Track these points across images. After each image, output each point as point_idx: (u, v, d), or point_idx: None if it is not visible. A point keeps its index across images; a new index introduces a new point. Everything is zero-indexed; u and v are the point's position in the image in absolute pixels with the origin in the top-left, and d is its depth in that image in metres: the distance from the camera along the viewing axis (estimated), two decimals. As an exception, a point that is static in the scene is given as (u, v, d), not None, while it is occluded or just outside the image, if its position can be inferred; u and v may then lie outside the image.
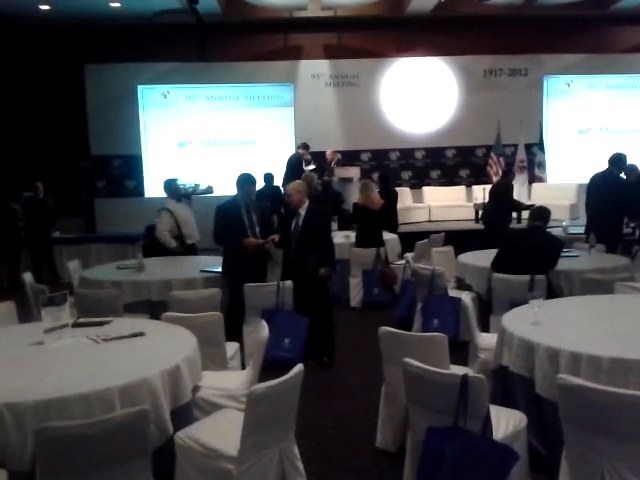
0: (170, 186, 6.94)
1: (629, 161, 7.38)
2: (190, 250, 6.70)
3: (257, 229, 5.67)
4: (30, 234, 9.65)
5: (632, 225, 7.91)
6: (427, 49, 12.85)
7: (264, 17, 12.34)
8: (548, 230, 5.64)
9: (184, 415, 3.11)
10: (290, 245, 5.50)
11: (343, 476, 3.55)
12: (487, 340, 4.15)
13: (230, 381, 3.62)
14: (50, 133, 12.67)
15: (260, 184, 9.41)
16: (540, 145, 12.53)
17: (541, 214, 5.42)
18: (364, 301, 7.49)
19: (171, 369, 2.97)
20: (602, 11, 12.58)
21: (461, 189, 12.85)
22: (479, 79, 12.97)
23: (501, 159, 12.16)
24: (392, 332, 3.47)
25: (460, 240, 7.73)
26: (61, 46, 12.37)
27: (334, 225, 8.37)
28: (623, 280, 4.80)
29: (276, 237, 5.61)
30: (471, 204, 11.94)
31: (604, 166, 7.22)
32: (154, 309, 5.06)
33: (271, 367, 4.13)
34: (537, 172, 12.51)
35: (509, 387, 3.51)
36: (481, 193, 10.92)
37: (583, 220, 7.76)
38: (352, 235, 7.93)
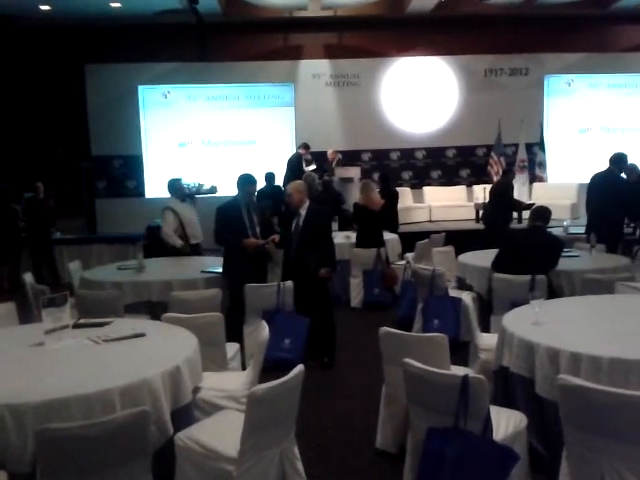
0: (174, 186, 6.90)
1: (630, 160, 7.38)
2: (195, 250, 6.69)
3: (257, 229, 5.67)
4: (31, 235, 9.65)
5: (632, 225, 7.91)
6: (427, 49, 12.85)
7: (264, 17, 12.34)
8: (549, 230, 5.64)
9: (184, 416, 3.11)
10: (290, 245, 5.50)
11: (343, 477, 3.55)
12: (488, 340, 4.15)
13: (230, 382, 3.62)
14: (51, 133, 12.68)
15: (261, 184, 9.44)
16: (541, 145, 12.53)
17: (542, 214, 5.42)
18: (364, 301, 7.49)
19: (171, 370, 2.97)
20: (603, 10, 12.57)
21: (462, 189, 12.84)
22: (479, 78, 12.96)
23: (502, 159, 12.16)
24: (392, 332, 3.47)
25: (461, 240, 7.72)
26: (61, 46, 12.37)
27: (334, 225, 8.37)
28: (624, 280, 4.80)
29: (277, 237, 5.61)
30: (472, 204, 11.94)
31: (605, 166, 7.21)
32: (155, 310, 5.07)
33: (271, 368, 4.13)
34: (538, 172, 12.51)
35: (509, 388, 3.51)
36: (482, 193, 10.91)
37: (584, 220, 7.76)
38: (352, 235, 7.93)
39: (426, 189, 12.83)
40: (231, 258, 5.58)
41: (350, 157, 12.06)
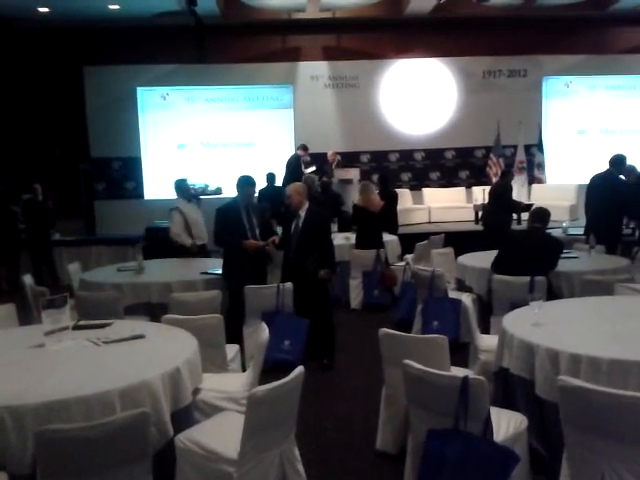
0: (180, 186, 6.89)
1: (629, 162, 7.38)
2: (202, 251, 6.67)
3: (257, 231, 5.67)
4: (30, 236, 9.65)
5: (632, 226, 7.91)
6: (426, 50, 12.86)
7: (263, 19, 12.35)
8: (548, 231, 5.64)
9: (184, 417, 3.11)
10: (290, 247, 5.50)
11: (343, 478, 3.55)
12: (487, 342, 4.15)
13: (230, 383, 3.62)
14: (50, 135, 12.66)
15: (262, 184, 9.44)
16: (539, 146, 12.54)
17: (541, 215, 5.42)
18: (364, 303, 7.49)
19: (171, 371, 2.97)
20: (601, 12, 12.58)
21: (461, 190, 12.86)
22: (478, 80, 12.98)
23: (501, 160, 12.17)
24: (392, 334, 3.47)
25: (460, 241, 7.72)
26: (60, 48, 12.37)
27: (334, 227, 8.37)
28: (623, 281, 4.80)
29: (276, 239, 5.60)
30: (471, 205, 11.95)
31: (604, 167, 7.21)
32: (154, 311, 5.06)
33: (271, 369, 4.14)
34: (536, 173, 12.52)
35: (510, 389, 3.51)
36: (481, 194, 10.92)
37: (583, 221, 7.76)
38: (352, 237, 7.93)
39: (425, 190, 12.83)
40: (231, 260, 5.58)
41: (349, 159, 12.07)
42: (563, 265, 5.36)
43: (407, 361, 2.83)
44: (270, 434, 2.76)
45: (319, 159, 11.34)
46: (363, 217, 7.62)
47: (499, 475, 2.56)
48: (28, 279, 5.57)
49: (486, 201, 9.37)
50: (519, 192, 11.49)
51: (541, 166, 12.53)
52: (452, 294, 5.77)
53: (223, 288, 5.23)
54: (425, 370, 2.76)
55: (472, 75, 12.93)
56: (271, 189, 9.72)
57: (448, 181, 13.13)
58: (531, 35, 12.86)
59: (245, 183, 5.69)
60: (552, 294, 5.04)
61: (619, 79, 13.15)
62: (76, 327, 3.71)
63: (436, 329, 5.25)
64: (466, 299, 4.41)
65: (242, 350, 4.80)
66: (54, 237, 10.10)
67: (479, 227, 10.03)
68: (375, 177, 10.83)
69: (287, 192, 5.66)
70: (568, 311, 4.04)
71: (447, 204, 12.44)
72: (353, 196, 9.24)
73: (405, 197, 12.07)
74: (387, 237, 8.02)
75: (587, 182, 7.54)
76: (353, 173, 10.93)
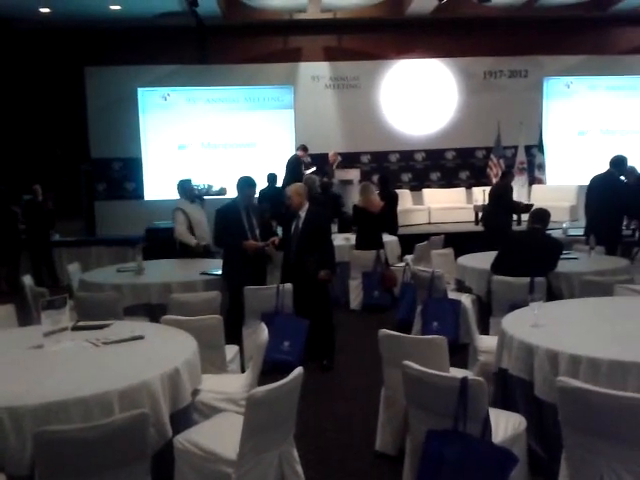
0: (184, 187, 6.88)
1: (629, 163, 7.38)
2: (206, 251, 6.66)
3: (257, 232, 5.67)
4: (30, 237, 9.65)
5: (632, 227, 7.90)
6: (427, 51, 12.87)
7: (264, 19, 12.35)
8: (548, 232, 5.64)
9: (183, 418, 3.11)
10: (290, 247, 5.50)
11: (343, 479, 3.54)
12: (487, 343, 4.15)
13: (230, 384, 3.62)
14: (50, 136, 12.67)
15: (263, 184, 9.44)
16: (540, 147, 12.54)
17: (541, 216, 5.42)
18: (364, 303, 7.49)
19: (170, 372, 2.97)
20: (602, 12, 12.58)
21: (461, 191, 12.85)
22: (479, 81, 12.98)
23: (501, 161, 12.16)
24: (392, 335, 3.47)
25: (460, 242, 7.72)
26: (61, 49, 12.38)
27: (334, 227, 8.37)
28: (623, 282, 4.79)
29: (276, 239, 5.60)
30: (471, 206, 11.94)
31: (604, 168, 7.21)
32: (154, 312, 5.06)
33: (271, 370, 4.14)
34: (537, 174, 12.52)
35: (509, 390, 3.51)
36: (481, 195, 10.91)
37: (583, 222, 7.76)
38: (352, 237, 7.93)
39: (425, 191, 12.83)
40: (230, 260, 5.58)
41: (349, 159, 12.08)
42: (563, 266, 5.35)
43: (406, 362, 2.83)
44: (269, 435, 2.76)
45: (319, 160, 11.34)
46: (363, 218, 7.62)
47: (498, 476, 2.56)
48: (28, 280, 5.57)
49: (486, 202, 9.37)
50: (519, 193, 11.49)
51: (541, 167, 12.53)
52: (452, 295, 5.76)
53: (223, 289, 5.22)
54: (424, 371, 2.76)
55: (473, 75, 12.94)
56: (272, 190, 9.72)
57: (448, 182, 13.13)
58: (532, 36, 12.86)
59: (245, 184, 5.70)
60: (552, 295, 5.04)
61: (620, 80, 13.15)
62: (75, 328, 3.71)
63: (436, 330, 5.25)
64: (466, 300, 4.41)
65: (241, 351, 4.79)
66: (54, 238, 10.11)
67: (479, 228, 10.03)
68: (375, 178, 10.83)
69: (287, 193, 5.66)
70: (568, 312, 4.03)
71: (447, 205, 12.43)
72: (353, 197, 9.24)
73: (405, 198, 12.07)
74: (387, 238, 8.02)
75: (587, 183, 7.54)
76: (353, 174, 10.94)
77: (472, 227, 11.21)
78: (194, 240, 6.48)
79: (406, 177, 13.08)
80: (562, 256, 5.39)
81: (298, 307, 5.35)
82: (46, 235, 9.82)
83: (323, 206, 7.14)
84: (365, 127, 12.66)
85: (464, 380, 2.63)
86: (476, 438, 2.63)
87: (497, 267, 5.26)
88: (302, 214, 5.49)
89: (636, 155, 9.96)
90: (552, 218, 5.56)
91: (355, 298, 7.56)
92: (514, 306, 4.24)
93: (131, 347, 3.38)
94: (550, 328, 3.51)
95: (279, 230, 6.07)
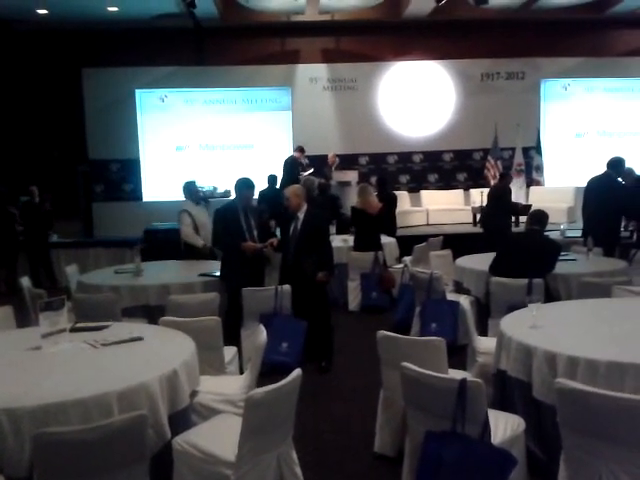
0: (189, 189, 6.89)
1: (627, 164, 7.38)
2: (211, 253, 6.65)
3: (255, 233, 5.67)
4: (28, 238, 9.63)
5: (631, 228, 7.91)
6: (424, 53, 12.89)
7: (262, 21, 12.35)
8: (546, 233, 5.64)
9: (182, 420, 3.10)
10: (288, 249, 5.51)
11: (341, 480, 3.55)
12: (485, 344, 4.16)
13: (228, 386, 3.61)
14: (48, 137, 12.66)
15: (261, 186, 9.44)
16: (537, 148, 12.56)
17: (539, 217, 5.43)
18: (362, 305, 7.49)
19: (169, 374, 2.97)
20: (599, 14, 12.60)
21: (459, 192, 12.87)
22: (476, 83, 13.00)
23: (499, 162, 12.19)
24: (390, 336, 3.47)
25: (458, 243, 7.74)
26: (59, 50, 12.38)
27: (332, 229, 8.37)
28: (621, 283, 4.80)
29: (275, 241, 5.60)
30: (469, 207, 11.96)
31: (601, 169, 7.22)
32: (152, 313, 5.06)
33: (269, 372, 4.14)
34: (535, 175, 12.54)
35: (507, 391, 3.51)
36: (479, 196, 10.94)
37: (580, 223, 7.75)
38: (350, 239, 7.94)
39: (423, 193, 12.84)
40: (229, 261, 5.58)
41: (347, 161, 12.09)
42: (561, 267, 5.36)
43: (405, 363, 2.83)
44: (267, 437, 2.76)
45: (317, 161, 11.34)
46: (361, 219, 7.62)
47: (497, 477, 2.56)
48: (26, 281, 5.57)
49: (484, 203, 9.39)
50: (517, 194, 11.49)
51: (539, 168, 12.55)
52: (450, 296, 5.77)
53: (221, 290, 5.22)
54: (423, 372, 2.76)
55: (470, 77, 12.96)
56: (272, 191, 9.72)
57: (446, 183, 13.15)
58: (529, 38, 12.89)
59: (243, 186, 5.70)
60: (550, 296, 5.05)
61: (617, 82, 13.19)
62: (73, 329, 3.71)
63: (434, 331, 5.26)
64: (464, 301, 4.42)
65: (240, 352, 4.79)
66: (52, 239, 10.09)
67: (477, 229, 10.05)
68: (373, 179, 10.85)
69: (285, 194, 5.66)
70: (566, 313, 4.04)
71: (445, 206, 12.44)
72: (351, 198, 9.23)
73: (403, 199, 12.07)
74: (385, 239, 8.01)
75: (585, 185, 7.54)
76: (351, 175, 10.95)
77: (470, 228, 11.22)
78: (201, 241, 6.49)
79: (404, 179, 13.09)
80: (560, 257, 5.39)
81: (296, 308, 5.35)
82: (44, 236, 9.80)
83: (321, 208, 7.13)
84: (363, 129, 12.67)
85: (463, 381, 2.63)
86: (475, 439, 2.63)
87: (495, 268, 5.26)
88: (300, 215, 5.49)
89: (633, 157, 9.97)
90: (550, 219, 5.57)
91: (353, 299, 7.56)
92: (512, 307, 4.24)
93: (129, 348, 3.38)
94: (548, 329, 3.52)
95: (277, 231, 6.07)
